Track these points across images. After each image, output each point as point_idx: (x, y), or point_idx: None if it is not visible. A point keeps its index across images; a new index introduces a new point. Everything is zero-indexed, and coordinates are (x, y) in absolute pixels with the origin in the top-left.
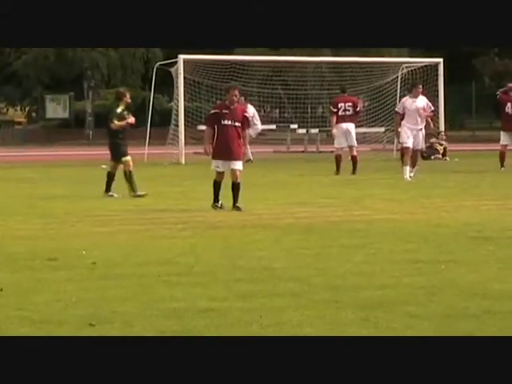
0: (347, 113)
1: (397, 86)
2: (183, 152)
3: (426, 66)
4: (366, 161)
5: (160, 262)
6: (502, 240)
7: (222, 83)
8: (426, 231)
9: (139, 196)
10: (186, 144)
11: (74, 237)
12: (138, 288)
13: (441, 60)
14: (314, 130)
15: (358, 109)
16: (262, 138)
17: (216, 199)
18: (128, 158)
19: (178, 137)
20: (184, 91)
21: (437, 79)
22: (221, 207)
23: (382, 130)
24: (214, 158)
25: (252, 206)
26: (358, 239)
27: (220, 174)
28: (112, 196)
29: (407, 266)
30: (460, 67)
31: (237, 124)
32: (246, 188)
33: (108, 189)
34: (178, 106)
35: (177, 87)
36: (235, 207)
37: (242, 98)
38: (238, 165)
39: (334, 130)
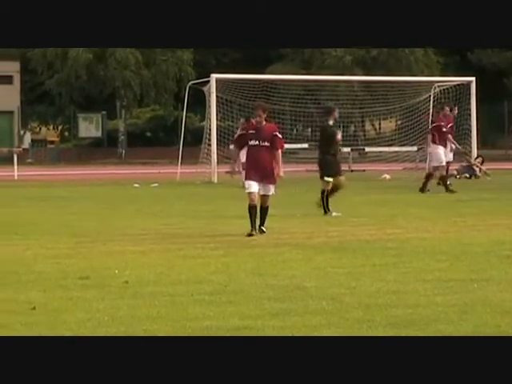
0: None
1: (429, 105)
2: (215, 171)
3: (458, 84)
4: (398, 180)
5: (193, 281)
6: None
7: (254, 102)
8: (458, 250)
9: (332, 216)
10: (218, 163)
11: (106, 256)
12: (171, 307)
13: (473, 79)
14: (346, 149)
15: (430, 127)
16: (294, 156)
17: (251, 225)
18: (330, 179)
19: (210, 156)
20: (216, 110)
21: (469, 98)
22: (251, 235)
23: (415, 149)
24: (245, 178)
25: (284, 225)
26: (390, 258)
27: (252, 195)
28: (334, 216)
29: (439, 284)
30: (492, 86)
31: (265, 144)
32: (277, 207)
33: (326, 209)
34: (210, 125)
35: (209, 106)
36: (259, 229)
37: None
38: (268, 190)
39: None
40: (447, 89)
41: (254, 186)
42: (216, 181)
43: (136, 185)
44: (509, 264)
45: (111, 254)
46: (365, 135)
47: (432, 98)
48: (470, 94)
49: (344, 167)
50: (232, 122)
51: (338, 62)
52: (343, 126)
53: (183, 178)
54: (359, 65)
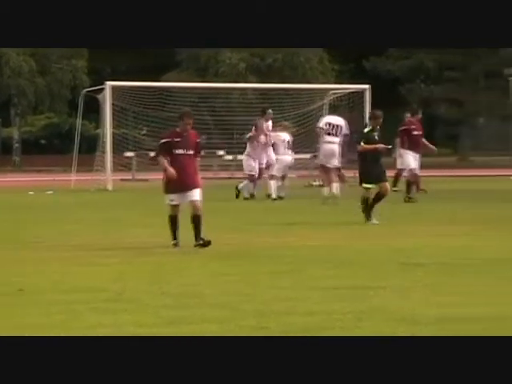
0: None
1: (323, 112)
2: (110, 178)
3: (352, 92)
4: (292, 187)
5: (88, 289)
6: (431, 266)
7: (149, 110)
8: (356, 257)
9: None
10: (113, 170)
11: (1, 263)
12: (66, 315)
13: (367, 86)
14: (241, 156)
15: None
16: None
17: (174, 236)
18: (369, 186)
19: (105, 163)
20: (111, 118)
21: (363, 105)
22: (177, 245)
23: (308, 156)
24: (167, 192)
25: (180, 232)
26: (285, 265)
27: (175, 208)
28: (374, 223)
29: (335, 291)
30: (387, 94)
31: (190, 152)
32: None
33: (368, 216)
34: (104, 133)
35: (104, 114)
36: (199, 242)
37: (269, 123)
38: (197, 194)
39: None
40: (342, 96)
41: (178, 198)
42: (111, 188)
43: (31, 192)
44: (406, 271)
45: (6, 262)
46: None
47: (327, 105)
48: (364, 102)
49: (239, 174)
50: (127, 129)
51: (232, 70)
52: (237, 134)
53: (78, 186)
54: (254, 72)
